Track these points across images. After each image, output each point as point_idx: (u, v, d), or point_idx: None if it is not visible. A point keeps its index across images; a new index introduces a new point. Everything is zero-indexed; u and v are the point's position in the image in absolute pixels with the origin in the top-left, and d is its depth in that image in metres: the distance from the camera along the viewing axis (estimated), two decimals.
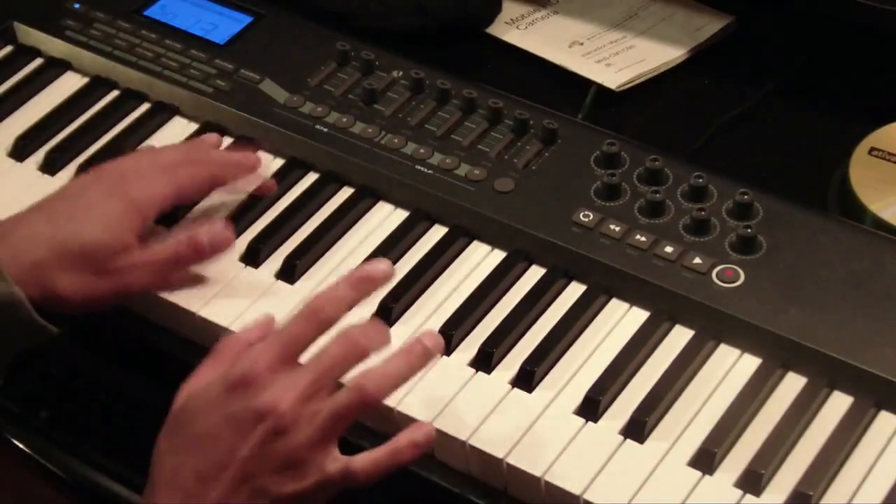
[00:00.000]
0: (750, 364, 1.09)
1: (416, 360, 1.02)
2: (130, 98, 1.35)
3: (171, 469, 0.99)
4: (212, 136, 1.27)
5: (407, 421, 1.06)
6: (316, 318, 1.01)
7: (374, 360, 1.01)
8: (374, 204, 1.24)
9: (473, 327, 1.13)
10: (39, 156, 1.30)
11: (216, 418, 0.99)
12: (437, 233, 1.21)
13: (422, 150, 1.23)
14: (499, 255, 1.19)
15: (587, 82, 1.36)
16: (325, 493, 1.00)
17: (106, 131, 1.32)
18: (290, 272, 1.18)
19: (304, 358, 1.02)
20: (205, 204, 1.24)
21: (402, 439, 1.01)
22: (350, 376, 1.01)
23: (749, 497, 1.01)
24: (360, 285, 1.03)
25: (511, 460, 1.04)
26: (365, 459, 1.00)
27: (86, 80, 1.38)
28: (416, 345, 1.02)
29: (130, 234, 1.13)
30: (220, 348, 1.05)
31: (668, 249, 1.14)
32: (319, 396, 0.99)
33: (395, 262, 1.18)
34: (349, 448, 1.02)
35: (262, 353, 1.00)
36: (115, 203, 1.14)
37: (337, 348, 1.00)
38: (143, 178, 1.16)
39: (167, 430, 1.01)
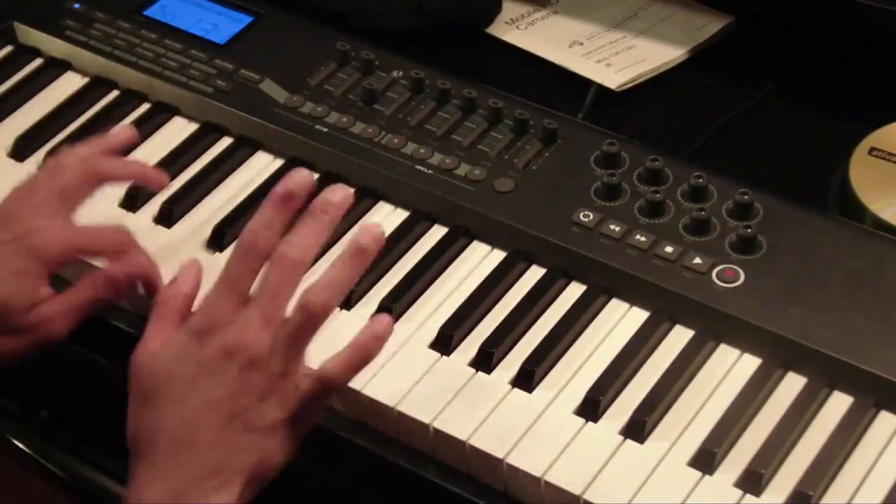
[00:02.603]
0: (750, 364, 1.09)
1: (356, 260, 1.02)
2: (130, 98, 1.35)
3: (152, 431, 1.00)
4: (126, 130, 1.21)
5: (404, 419, 1.06)
6: (251, 252, 1.02)
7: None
8: (374, 204, 1.23)
9: (473, 327, 1.13)
10: (39, 156, 1.30)
11: (189, 367, 1.00)
12: (437, 233, 1.21)
13: (422, 150, 1.23)
14: (499, 255, 1.19)
15: (587, 82, 1.36)
16: (309, 410, 1.02)
17: (106, 131, 1.32)
18: None
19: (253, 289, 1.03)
20: (205, 204, 1.24)
21: (364, 334, 1.02)
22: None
23: (749, 497, 1.01)
24: (283, 204, 1.03)
25: (511, 460, 1.04)
26: (333, 362, 1.02)
27: (86, 80, 1.38)
28: (352, 245, 1.02)
29: (38, 288, 1.11)
30: (161, 309, 1.05)
31: (668, 249, 1.14)
32: (276, 320, 1.01)
33: (394, 262, 1.18)
34: (334, 440, 1.01)
35: (212, 299, 1.02)
36: (20, 259, 1.10)
37: (274, 271, 1.01)
38: (42, 220, 1.11)
39: (136, 396, 1.02)
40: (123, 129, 1.21)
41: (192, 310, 1.06)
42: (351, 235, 1.03)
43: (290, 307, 1.01)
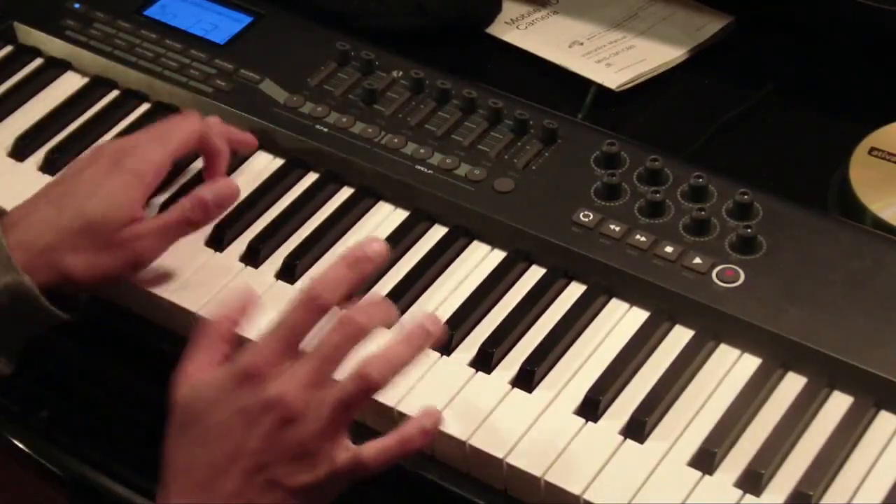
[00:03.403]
0: (750, 364, 1.09)
1: (418, 343, 1.01)
2: (130, 98, 1.35)
3: (183, 464, 1.00)
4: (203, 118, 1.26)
5: (404, 419, 1.06)
6: (313, 304, 1.01)
7: (378, 344, 1.01)
8: (374, 204, 1.24)
9: (473, 327, 1.13)
10: (39, 156, 1.30)
11: (226, 412, 0.99)
12: (437, 233, 1.21)
13: (422, 150, 1.23)
14: (499, 255, 1.19)
15: (587, 82, 1.36)
16: (336, 482, 1.00)
17: (106, 131, 1.33)
18: (290, 272, 1.18)
19: (304, 343, 1.01)
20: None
21: (411, 426, 1.01)
22: (351, 363, 1.00)
23: (749, 497, 1.01)
24: (355, 265, 1.02)
25: (511, 460, 1.04)
26: (374, 447, 1.00)
27: (86, 80, 1.38)
28: (416, 329, 1.01)
29: (134, 205, 1.15)
30: (206, 334, 1.04)
31: (668, 249, 1.14)
32: (324, 383, 0.99)
33: (395, 262, 1.18)
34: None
35: (264, 344, 1.01)
36: (116, 177, 1.15)
37: (337, 333, 1.00)
38: (137, 148, 1.18)
39: (175, 425, 1.01)
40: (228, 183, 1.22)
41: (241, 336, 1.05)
42: (417, 316, 1.03)
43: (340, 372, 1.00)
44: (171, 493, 0.99)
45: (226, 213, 1.22)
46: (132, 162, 1.16)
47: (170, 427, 1.01)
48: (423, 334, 1.01)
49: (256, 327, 1.05)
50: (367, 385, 0.99)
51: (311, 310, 1.01)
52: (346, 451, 1.00)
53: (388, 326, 1.04)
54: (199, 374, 1.02)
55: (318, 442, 0.98)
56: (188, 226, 1.17)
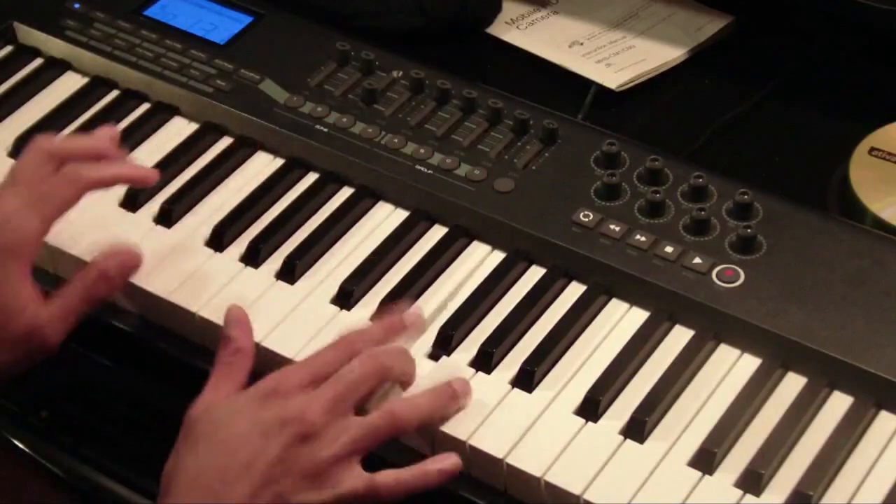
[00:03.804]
0: (750, 364, 1.09)
1: (445, 400, 1.05)
2: (130, 98, 1.35)
3: (192, 471, 0.99)
4: (109, 131, 1.18)
5: None
6: (348, 351, 1.05)
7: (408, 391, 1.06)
8: (374, 204, 1.23)
9: (473, 327, 1.13)
10: None
11: (244, 424, 1.00)
12: (437, 233, 1.21)
13: (422, 150, 1.23)
14: (499, 256, 1.19)
15: (587, 82, 1.36)
16: None
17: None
18: (290, 272, 1.18)
19: None
20: (204, 203, 1.24)
21: (431, 465, 1.03)
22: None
23: (749, 497, 1.01)
24: (393, 331, 1.08)
25: (511, 460, 1.04)
26: (389, 477, 1.01)
27: (86, 80, 1.37)
28: (446, 387, 1.05)
29: (20, 295, 1.07)
30: (227, 364, 1.06)
31: (668, 249, 1.14)
32: (343, 411, 1.01)
33: (394, 262, 1.18)
34: None
35: (292, 371, 1.03)
36: None
37: (361, 366, 1.03)
38: (11, 219, 1.08)
39: (185, 438, 1.01)
40: (104, 130, 1.16)
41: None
42: (452, 379, 1.06)
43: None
44: (174, 495, 0.99)
45: (226, 213, 1.23)
46: (8, 238, 1.06)
47: (179, 441, 1.01)
48: (451, 393, 1.05)
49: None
50: (394, 423, 1.02)
51: (343, 355, 1.04)
52: (358, 478, 1.00)
53: (406, 382, 1.07)
54: (217, 396, 1.03)
55: (332, 465, 0.99)
56: (92, 302, 1.10)
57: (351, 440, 1.00)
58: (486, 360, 1.10)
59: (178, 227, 1.23)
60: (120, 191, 1.24)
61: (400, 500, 1.02)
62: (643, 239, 1.15)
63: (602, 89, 1.35)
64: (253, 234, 1.21)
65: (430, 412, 1.04)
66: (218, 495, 0.98)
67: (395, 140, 1.24)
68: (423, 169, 1.22)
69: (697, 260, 1.13)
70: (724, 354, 1.10)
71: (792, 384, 1.08)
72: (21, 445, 1.28)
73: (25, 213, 1.08)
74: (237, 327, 1.08)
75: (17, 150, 1.31)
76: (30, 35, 1.40)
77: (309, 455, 0.99)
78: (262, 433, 0.99)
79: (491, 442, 1.05)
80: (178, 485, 0.99)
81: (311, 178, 1.26)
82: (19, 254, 1.08)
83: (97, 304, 1.12)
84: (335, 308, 1.15)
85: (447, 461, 1.03)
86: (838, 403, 1.06)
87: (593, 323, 1.13)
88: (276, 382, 1.02)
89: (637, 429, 1.05)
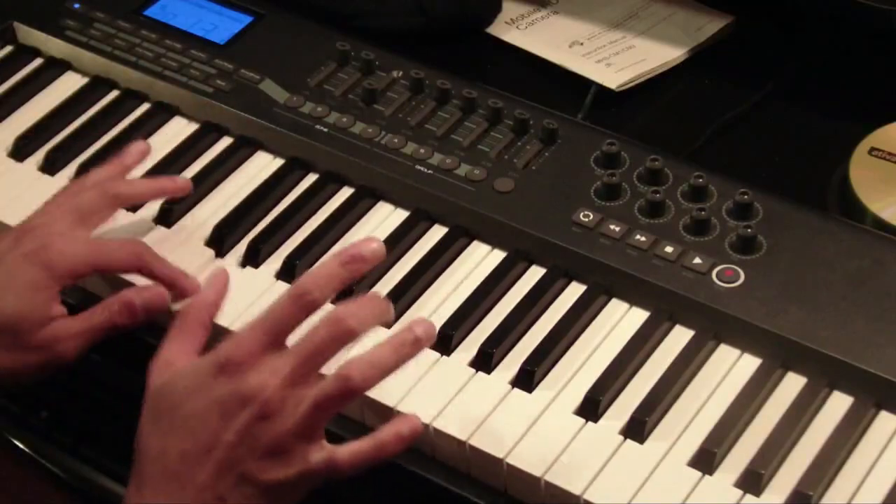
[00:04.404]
0: (750, 364, 1.09)
1: (406, 349, 0.98)
2: (130, 98, 1.35)
3: (156, 452, 0.99)
4: (139, 146, 1.23)
5: None
6: (302, 300, 0.99)
7: (365, 345, 0.99)
8: (374, 204, 1.24)
9: (473, 327, 1.13)
10: (39, 156, 1.30)
11: (202, 402, 0.98)
12: (437, 233, 1.21)
13: (422, 150, 1.23)
14: (499, 255, 1.19)
15: (587, 82, 1.36)
16: (308, 481, 0.99)
17: (106, 131, 1.33)
18: (290, 272, 1.18)
19: (292, 340, 1.00)
20: (205, 204, 1.24)
21: (387, 431, 0.99)
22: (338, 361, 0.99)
23: (749, 497, 1.01)
24: (349, 264, 1.00)
25: (511, 460, 1.04)
26: (349, 450, 0.99)
27: (86, 80, 1.38)
28: (405, 333, 0.99)
29: (50, 304, 1.10)
30: (184, 319, 1.04)
31: (668, 249, 1.14)
32: (306, 381, 0.97)
33: (394, 262, 1.18)
34: (333, 439, 1.01)
35: (247, 336, 0.99)
36: (34, 271, 1.10)
37: (324, 331, 0.97)
38: (57, 236, 1.12)
39: (149, 412, 1.00)
40: (136, 146, 1.21)
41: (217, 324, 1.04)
42: (406, 323, 0.99)
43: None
44: (142, 482, 0.98)
45: (226, 213, 1.23)
46: (54, 254, 1.11)
47: (144, 413, 1.00)
48: (411, 340, 0.99)
49: (230, 315, 1.06)
50: (347, 387, 0.97)
51: (298, 306, 0.99)
52: (320, 451, 0.98)
53: (386, 326, 1.04)
54: (176, 361, 1.02)
55: (294, 439, 0.97)
56: (113, 329, 1.12)
57: (307, 412, 0.96)
58: (486, 360, 1.10)
59: (178, 226, 1.23)
60: None
61: (361, 471, 0.99)
62: (643, 239, 1.15)
63: (602, 89, 1.35)
64: (253, 234, 1.21)
65: (392, 366, 0.98)
66: (182, 478, 0.97)
67: (395, 140, 1.24)
68: (423, 169, 1.22)
69: (697, 260, 1.13)
70: (724, 354, 1.10)
71: (792, 384, 1.08)
72: (21, 445, 1.28)
73: (71, 237, 1.12)
74: (211, 287, 1.07)
75: (17, 149, 1.31)
76: (30, 35, 1.40)
77: (270, 432, 0.96)
78: (220, 413, 0.97)
79: (491, 442, 1.05)
80: (144, 466, 0.99)
81: (311, 178, 1.26)
82: (60, 274, 1.11)
83: (118, 332, 1.13)
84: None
85: (404, 425, 0.99)
86: (838, 403, 1.06)
87: (593, 323, 1.13)
88: (232, 350, 0.98)
89: (637, 429, 1.05)
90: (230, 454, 0.97)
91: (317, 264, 1.02)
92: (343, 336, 0.97)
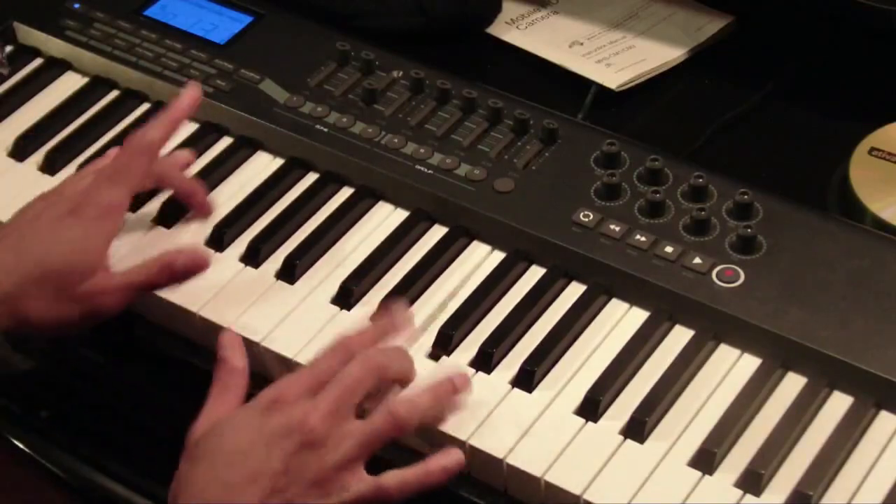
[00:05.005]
0: (750, 364, 1.09)
1: (445, 396, 1.05)
2: (130, 98, 1.35)
3: (198, 487, 0.99)
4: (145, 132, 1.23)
5: None
6: (345, 354, 1.04)
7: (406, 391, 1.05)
8: (374, 204, 1.24)
9: (473, 327, 1.13)
10: (39, 156, 1.30)
11: (247, 435, 1.00)
12: (437, 233, 1.21)
13: (422, 150, 1.23)
14: (499, 256, 1.19)
15: (587, 82, 1.36)
16: None
17: (106, 131, 1.33)
18: (290, 272, 1.18)
19: None
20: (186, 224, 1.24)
21: (434, 463, 1.02)
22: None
23: (749, 497, 1.01)
24: (388, 330, 1.07)
25: (511, 460, 1.04)
26: (394, 478, 1.01)
27: (86, 80, 1.38)
28: (446, 382, 1.05)
29: (98, 256, 1.13)
30: (224, 383, 1.06)
31: (668, 249, 1.14)
32: (344, 414, 1.01)
33: (395, 262, 1.18)
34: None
35: (291, 380, 1.03)
36: (77, 224, 1.13)
37: (358, 368, 1.03)
38: (95, 193, 1.15)
39: (188, 458, 1.01)
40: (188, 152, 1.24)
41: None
42: (448, 370, 1.07)
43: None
44: None
45: (226, 213, 1.23)
46: (92, 209, 1.14)
47: (182, 465, 1.01)
48: (449, 388, 1.05)
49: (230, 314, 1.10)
50: (395, 423, 1.01)
51: (340, 359, 1.04)
52: (362, 482, 1.01)
53: (404, 380, 1.07)
54: (218, 413, 1.03)
55: (337, 471, 1.00)
56: (152, 287, 1.15)
57: (355, 444, 1.00)
58: (486, 360, 1.10)
59: (178, 226, 1.23)
60: None
61: (405, 500, 1.02)
62: (643, 239, 1.15)
63: (602, 89, 1.35)
64: (253, 234, 1.21)
65: (431, 409, 1.04)
66: None
67: (395, 140, 1.24)
68: (423, 169, 1.22)
69: (697, 260, 1.13)
70: (724, 354, 1.10)
71: (792, 384, 1.08)
72: (21, 445, 1.28)
73: (107, 186, 1.15)
74: (230, 348, 1.08)
75: (17, 149, 1.31)
76: (30, 35, 1.40)
77: (314, 462, 0.99)
78: (266, 443, 0.99)
79: (491, 442, 1.05)
80: (185, 499, 0.99)
81: (311, 178, 1.26)
82: (103, 224, 1.14)
83: (157, 289, 1.15)
84: (335, 308, 1.15)
85: (450, 457, 1.03)
86: (838, 403, 1.06)
87: (593, 323, 1.13)
88: (276, 392, 1.02)
89: (637, 429, 1.05)
90: (273, 483, 0.98)
91: (360, 328, 1.07)
92: (376, 372, 1.04)
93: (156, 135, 1.17)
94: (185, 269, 1.14)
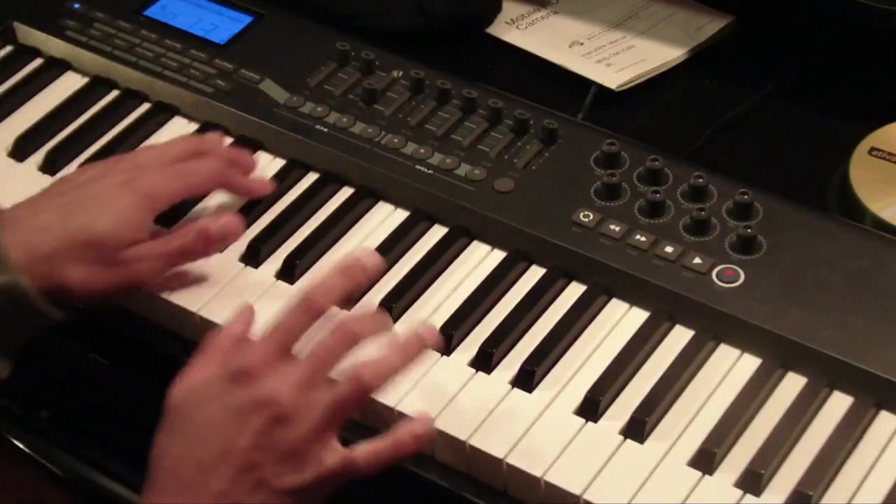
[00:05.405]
0: (750, 364, 1.09)
1: (412, 352, 1.03)
2: (130, 98, 1.35)
3: (171, 461, 0.99)
4: (215, 134, 1.27)
5: (404, 419, 1.06)
6: (310, 310, 1.03)
7: (372, 350, 1.02)
8: (374, 204, 1.24)
9: (473, 327, 1.13)
10: (39, 156, 1.30)
11: (217, 410, 0.99)
12: (437, 233, 1.21)
13: (422, 150, 1.23)
14: (499, 255, 1.19)
15: (587, 82, 1.36)
16: (325, 485, 1.00)
17: (106, 131, 1.33)
18: (290, 272, 1.18)
19: (298, 346, 1.03)
20: (204, 204, 1.24)
21: (403, 431, 1.01)
22: (345, 367, 1.02)
23: (749, 497, 1.01)
24: (351, 274, 1.05)
25: (511, 460, 1.04)
26: (365, 450, 1.01)
27: (86, 80, 1.38)
28: (412, 337, 1.03)
29: (141, 228, 1.14)
30: (210, 344, 1.05)
31: (668, 249, 1.14)
32: (317, 386, 1.00)
33: (395, 262, 1.18)
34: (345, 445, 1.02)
35: (258, 346, 1.02)
36: (128, 196, 1.14)
37: (331, 338, 1.02)
38: (155, 172, 1.17)
39: (166, 425, 1.01)
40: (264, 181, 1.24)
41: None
42: (413, 325, 1.04)
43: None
44: (156, 491, 0.99)
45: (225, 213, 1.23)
46: (147, 186, 1.15)
47: (160, 429, 1.01)
48: (417, 343, 1.03)
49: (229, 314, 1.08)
50: (360, 388, 1.00)
51: (306, 314, 1.03)
52: (335, 453, 1.00)
53: (379, 334, 1.05)
54: (194, 378, 1.03)
55: (308, 443, 0.99)
56: (188, 255, 1.16)
57: (323, 414, 0.99)
58: (486, 360, 1.10)
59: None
60: None
61: (378, 471, 1.01)
62: (643, 239, 1.15)
63: (602, 89, 1.35)
64: (253, 235, 1.21)
65: (399, 367, 1.02)
66: (198, 486, 0.98)
67: (395, 140, 1.24)
68: (423, 169, 1.22)
69: (697, 260, 1.13)
70: (724, 354, 1.10)
71: (792, 384, 1.08)
72: (21, 445, 1.29)
73: (169, 177, 1.17)
74: (234, 315, 1.08)
75: (17, 149, 1.31)
76: (30, 35, 1.40)
77: (285, 437, 0.98)
78: (235, 419, 0.98)
79: (491, 442, 1.05)
80: (159, 476, 0.99)
81: (311, 178, 1.26)
82: (153, 202, 1.15)
83: (191, 258, 1.16)
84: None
85: (419, 424, 1.02)
86: (838, 403, 1.06)
87: (593, 323, 1.13)
88: (244, 360, 1.01)
89: (637, 429, 1.05)
90: (245, 460, 0.98)
91: (320, 274, 1.04)
92: (348, 340, 1.02)
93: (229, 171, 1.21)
94: (220, 235, 1.16)
